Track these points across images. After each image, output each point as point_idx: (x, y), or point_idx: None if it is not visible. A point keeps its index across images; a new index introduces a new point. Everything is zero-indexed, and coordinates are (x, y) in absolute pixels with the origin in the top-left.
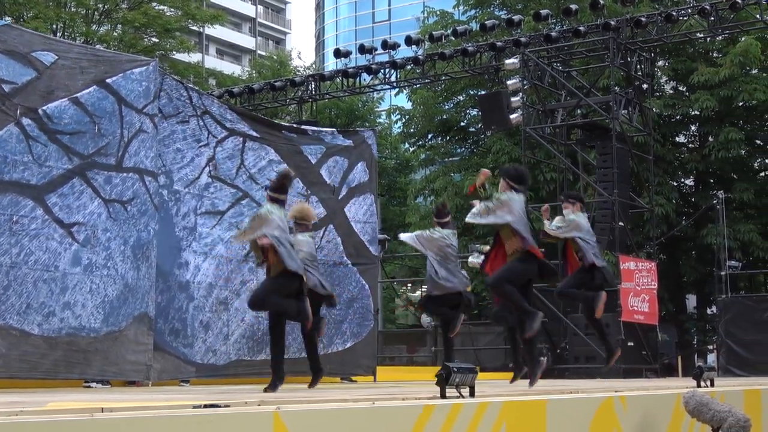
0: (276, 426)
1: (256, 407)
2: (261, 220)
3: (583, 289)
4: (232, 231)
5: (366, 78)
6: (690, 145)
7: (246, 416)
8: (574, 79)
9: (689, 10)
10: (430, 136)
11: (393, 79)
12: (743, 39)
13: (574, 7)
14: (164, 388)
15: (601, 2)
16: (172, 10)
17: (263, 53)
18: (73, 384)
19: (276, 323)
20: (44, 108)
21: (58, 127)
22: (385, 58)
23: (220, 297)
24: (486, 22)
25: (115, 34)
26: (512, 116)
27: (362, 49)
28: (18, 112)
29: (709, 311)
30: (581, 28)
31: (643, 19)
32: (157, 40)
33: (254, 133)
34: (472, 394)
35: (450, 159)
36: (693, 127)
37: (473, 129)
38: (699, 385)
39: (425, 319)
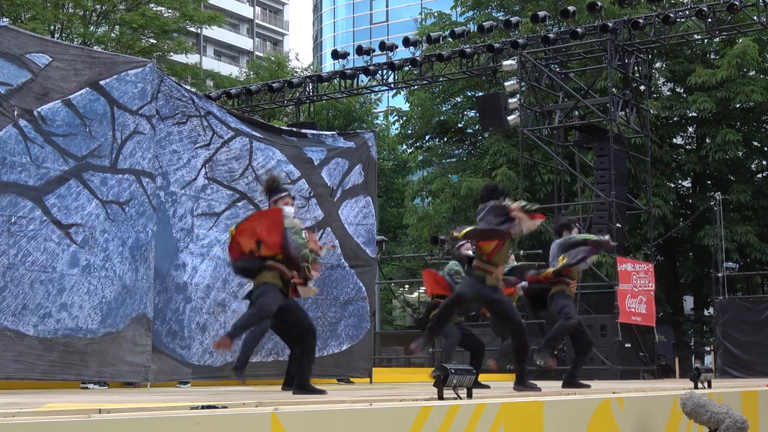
0: (274, 427)
1: (253, 408)
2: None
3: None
4: (227, 233)
5: (364, 79)
6: (687, 147)
7: (244, 417)
8: (572, 81)
9: (687, 12)
10: (427, 137)
11: (391, 80)
12: (740, 41)
13: (571, 8)
14: (162, 390)
15: (599, 4)
16: (170, 11)
17: (261, 54)
18: (70, 385)
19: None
20: (39, 110)
21: (52, 129)
22: (382, 59)
23: (217, 299)
24: (484, 24)
25: (113, 35)
26: (510, 118)
27: (360, 51)
28: (15, 113)
29: (706, 313)
30: (579, 29)
31: (640, 20)
32: (154, 41)
33: (258, 134)
34: (469, 395)
35: (447, 160)
36: (690, 129)
37: (471, 130)
38: (696, 387)
39: None
